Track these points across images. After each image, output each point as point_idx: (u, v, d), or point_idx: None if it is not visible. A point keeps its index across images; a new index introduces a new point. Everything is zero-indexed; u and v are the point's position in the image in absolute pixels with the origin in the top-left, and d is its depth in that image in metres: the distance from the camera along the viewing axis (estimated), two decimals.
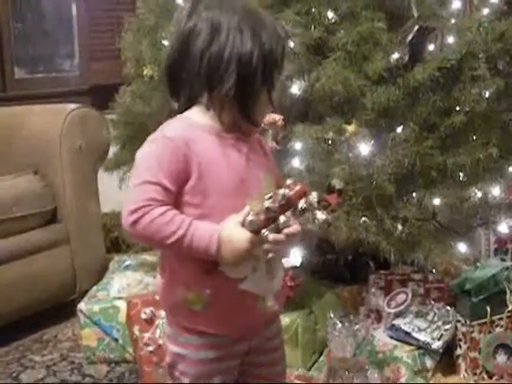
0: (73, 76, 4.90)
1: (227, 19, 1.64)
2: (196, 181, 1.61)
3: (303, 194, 1.59)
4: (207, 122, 1.68)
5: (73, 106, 3.60)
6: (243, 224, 1.57)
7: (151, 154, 1.63)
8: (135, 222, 1.55)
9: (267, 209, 1.55)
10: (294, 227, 1.61)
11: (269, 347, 1.81)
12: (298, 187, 1.58)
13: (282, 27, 1.74)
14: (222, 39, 1.62)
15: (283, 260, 1.82)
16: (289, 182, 1.62)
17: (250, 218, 1.56)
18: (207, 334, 1.68)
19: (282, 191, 1.56)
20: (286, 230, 1.59)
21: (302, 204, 1.58)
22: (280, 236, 1.58)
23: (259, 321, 1.74)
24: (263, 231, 1.57)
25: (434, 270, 3.04)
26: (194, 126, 1.66)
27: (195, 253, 1.58)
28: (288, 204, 1.57)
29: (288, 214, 1.59)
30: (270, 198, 1.56)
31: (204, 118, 1.68)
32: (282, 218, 1.57)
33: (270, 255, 1.64)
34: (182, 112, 1.71)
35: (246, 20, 1.64)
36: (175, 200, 1.61)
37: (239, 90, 1.63)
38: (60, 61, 5.12)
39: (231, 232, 1.57)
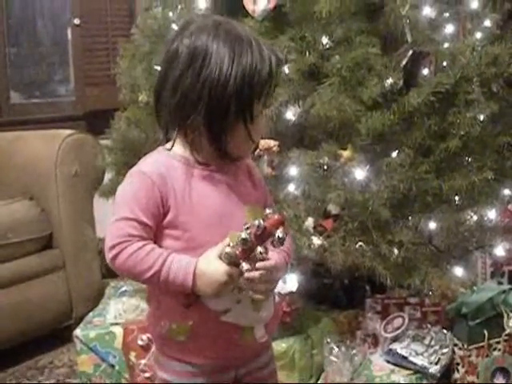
0: (68, 101, 4.90)
1: (207, 46, 1.61)
2: (174, 214, 1.62)
3: (280, 223, 1.57)
4: (184, 153, 1.67)
5: (68, 131, 3.61)
6: (221, 256, 1.56)
7: (128, 189, 1.65)
8: (114, 258, 1.58)
9: (243, 240, 1.54)
10: (268, 262, 1.60)
11: (261, 376, 1.81)
12: (274, 217, 1.57)
13: (275, 54, 1.68)
14: (197, 67, 1.60)
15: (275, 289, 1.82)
16: (268, 211, 1.60)
17: (226, 249, 1.55)
18: (192, 363, 1.69)
19: (257, 222, 1.55)
20: (259, 264, 1.58)
21: (278, 233, 1.57)
22: (255, 274, 1.58)
23: (246, 351, 1.74)
24: (242, 264, 1.56)
25: (430, 294, 3.02)
26: (171, 159, 1.67)
27: (172, 286, 1.59)
28: (264, 234, 1.56)
29: (267, 244, 1.59)
30: (248, 228, 1.55)
31: (181, 150, 1.68)
32: (258, 249, 1.56)
33: (251, 293, 1.63)
34: (167, 139, 1.71)
35: (228, 48, 1.60)
36: (157, 233, 1.63)
37: (210, 122, 1.61)
38: (55, 86, 5.14)
39: (208, 265, 1.57)
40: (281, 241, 1.58)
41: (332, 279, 3.10)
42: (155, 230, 1.62)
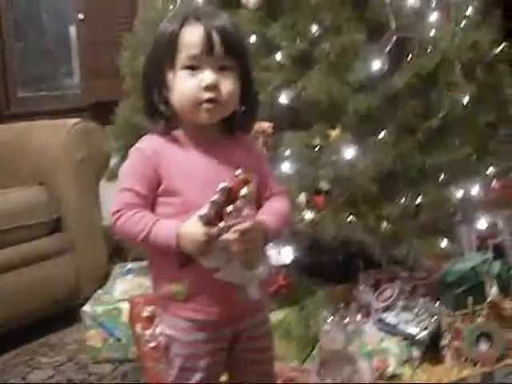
0: (74, 93, 5.03)
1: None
2: (167, 184, 1.79)
3: (244, 183, 1.71)
4: (174, 132, 1.85)
5: (75, 120, 3.77)
6: (199, 218, 1.71)
7: (127, 165, 1.86)
8: (114, 223, 1.79)
9: (212, 202, 1.68)
10: (239, 226, 1.72)
11: (256, 334, 1.94)
12: (239, 177, 1.71)
13: (189, 13, 1.82)
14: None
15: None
16: (237, 172, 1.72)
17: (202, 212, 1.70)
18: (193, 319, 1.84)
19: (222, 184, 1.68)
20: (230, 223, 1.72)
21: (243, 191, 1.70)
22: (228, 236, 1.72)
23: (240, 308, 1.87)
24: (219, 224, 1.70)
25: (420, 267, 3.14)
26: (163, 137, 1.84)
27: (161, 247, 1.77)
28: (231, 194, 1.69)
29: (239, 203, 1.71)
30: (218, 192, 1.69)
31: (171, 129, 1.85)
32: (229, 208, 1.69)
33: (236, 247, 1.74)
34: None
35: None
36: (153, 201, 1.81)
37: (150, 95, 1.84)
38: (61, 79, 5.27)
39: (188, 227, 1.72)
40: (245, 199, 1.70)
41: (328, 256, 3.22)
42: (151, 198, 1.81)
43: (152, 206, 1.82)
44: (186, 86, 1.78)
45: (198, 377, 1.88)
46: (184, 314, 1.84)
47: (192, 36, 1.77)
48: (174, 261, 1.79)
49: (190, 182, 1.80)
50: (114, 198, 1.82)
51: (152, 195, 1.81)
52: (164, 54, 1.80)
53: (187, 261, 1.77)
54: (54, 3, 5.17)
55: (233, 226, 1.71)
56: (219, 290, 1.81)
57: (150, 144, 1.84)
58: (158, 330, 2.70)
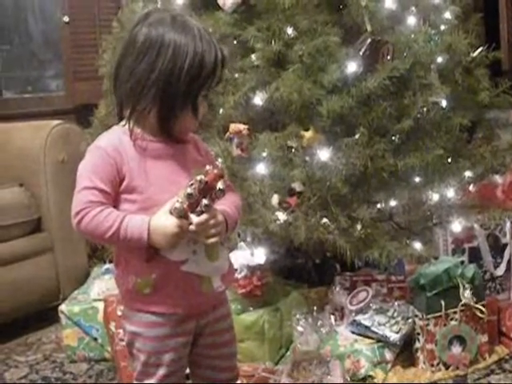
0: (59, 96, 5.06)
1: (163, 37, 1.78)
2: (129, 181, 1.81)
3: (219, 176, 1.75)
4: (136, 129, 1.84)
5: (56, 122, 3.78)
6: (171, 211, 1.74)
7: (87, 163, 1.83)
8: (78, 223, 1.77)
9: (189, 195, 1.72)
10: (210, 213, 1.78)
11: (217, 329, 1.97)
12: (214, 172, 1.75)
13: (221, 50, 1.85)
14: (153, 56, 1.78)
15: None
16: (207, 167, 1.77)
17: (175, 205, 1.73)
18: (158, 314, 1.86)
19: (199, 177, 1.73)
20: (203, 216, 1.76)
21: (219, 185, 1.75)
22: (201, 218, 1.76)
23: (205, 300, 1.91)
24: (190, 216, 1.75)
25: (396, 271, 3.15)
26: (124, 134, 1.84)
27: (131, 243, 1.77)
28: (206, 188, 1.74)
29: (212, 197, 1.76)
30: (192, 185, 1.73)
31: (133, 126, 1.84)
32: (203, 201, 1.74)
33: (203, 239, 1.80)
34: (120, 117, 1.90)
35: (183, 40, 1.78)
36: (115, 198, 1.81)
37: (161, 106, 1.80)
38: (46, 81, 5.29)
39: (160, 220, 1.75)
40: (222, 192, 1.76)
41: (304, 257, 3.25)
42: (114, 195, 1.81)
43: (114, 203, 1.82)
44: (202, 108, 1.88)
45: (162, 372, 1.90)
46: (149, 309, 1.86)
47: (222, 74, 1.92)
48: (140, 256, 1.81)
49: (151, 178, 1.82)
50: (74, 198, 1.80)
51: (114, 192, 1.81)
52: (208, 79, 1.83)
53: (153, 255, 1.80)
54: (41, 6, 5.18)
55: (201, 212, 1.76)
56: (185, 282, 1.84)
57: (109, 142, 1.84)
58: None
